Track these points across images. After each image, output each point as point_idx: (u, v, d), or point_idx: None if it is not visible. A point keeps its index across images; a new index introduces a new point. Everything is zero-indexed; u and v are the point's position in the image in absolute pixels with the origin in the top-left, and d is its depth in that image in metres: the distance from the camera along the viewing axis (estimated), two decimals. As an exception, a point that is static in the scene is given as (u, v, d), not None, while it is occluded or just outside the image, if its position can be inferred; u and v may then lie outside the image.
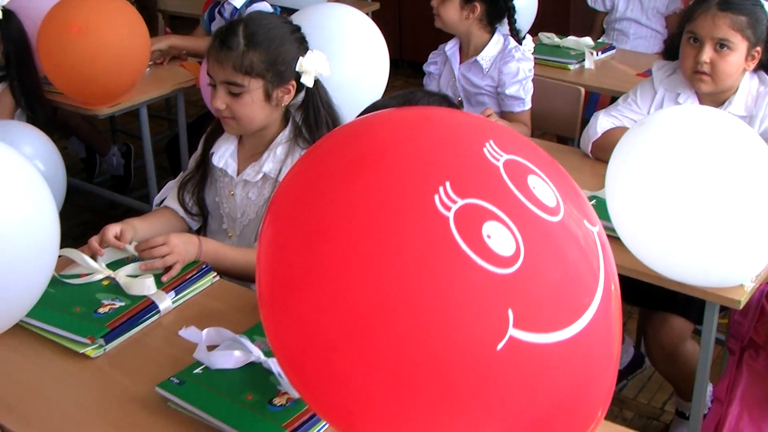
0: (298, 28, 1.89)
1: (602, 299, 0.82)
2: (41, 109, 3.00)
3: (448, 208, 0.76)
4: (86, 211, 3.92)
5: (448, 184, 0.77)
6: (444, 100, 1.60)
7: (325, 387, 0.83)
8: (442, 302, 0.75)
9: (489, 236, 0.76)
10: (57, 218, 1.55)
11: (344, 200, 0.79)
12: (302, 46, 1.87)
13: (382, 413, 0.81)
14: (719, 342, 2.35)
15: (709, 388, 2.20)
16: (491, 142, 0.82)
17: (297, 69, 1.84)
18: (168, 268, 1.73)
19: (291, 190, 0.87)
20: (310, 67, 1.83)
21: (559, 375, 0.81)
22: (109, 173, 4.10)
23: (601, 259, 0.84)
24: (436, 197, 0.76)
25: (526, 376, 0.78)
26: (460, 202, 0.77)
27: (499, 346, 0.76)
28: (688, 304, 2.16)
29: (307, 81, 1.85)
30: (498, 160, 0.81)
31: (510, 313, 0.76)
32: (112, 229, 1.81)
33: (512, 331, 0.76)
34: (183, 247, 1.74)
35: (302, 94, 1.90)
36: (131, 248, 1.80)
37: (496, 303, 0.76)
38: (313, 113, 1.88)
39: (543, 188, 0.82)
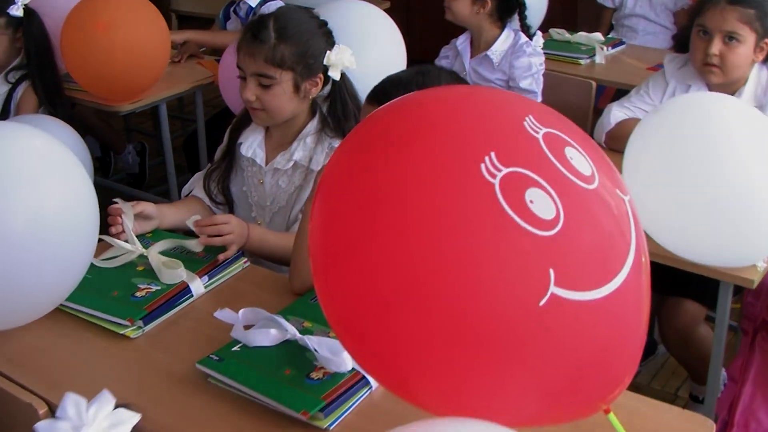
0: (325, 23, 1.96)
1: (634, 261, 0.89)
2: (61, 106, 3.06)
3: (494, 176, 0.83)
4: (104, 208, 3.98)
5: (493, 154, 0.84)
6: (453, 75, 1.66)
7: (378, 346, 0.90)
8: (489, 262, 0.82)
9: (531, 201, 0.83)
10: (97, 205, 1.62)
11: (397, 169, 0.86)
12: (329, 40, 1.94)
13: (432, 368, 0.87)
14: (731, 328, 2.41)
15: (723, 373, 2.26)
16: (531, 116, 0.89)
17: (325, 62, 1.91)
18: (206, 250, 1.79)
19: (344, 161, 0.93)
20: (337, 61, 1.90)
21: (593, 332, 0.88)
22: (124, 171, 4.17)
23: (632, 225, 0.91)
24: (482, 166, 0.83)
25: (565, 331, 0.85)
26: (505, 171, 0.83)
27: (542, 302, 0.82)
28: (701, 288, 2.23)
29: (335, 74, 1.92)
30: (537, 132, 0.88)
31: (551, 272, 0.83)
32: (115, 206, 1.86)
33: (553, 289, 0.82)
34: (239, 231, 1.80)
35: (328, 86, 1.97)
36: (126, 207, 1.84)
37: (539, 262, 0.83)
38: (341, 104, 1.95)
39: (579, 159, 0.89)
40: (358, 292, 0.88)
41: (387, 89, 1.60)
